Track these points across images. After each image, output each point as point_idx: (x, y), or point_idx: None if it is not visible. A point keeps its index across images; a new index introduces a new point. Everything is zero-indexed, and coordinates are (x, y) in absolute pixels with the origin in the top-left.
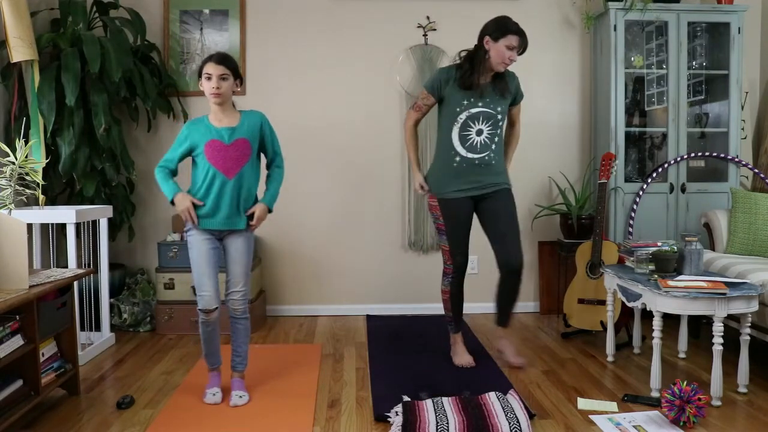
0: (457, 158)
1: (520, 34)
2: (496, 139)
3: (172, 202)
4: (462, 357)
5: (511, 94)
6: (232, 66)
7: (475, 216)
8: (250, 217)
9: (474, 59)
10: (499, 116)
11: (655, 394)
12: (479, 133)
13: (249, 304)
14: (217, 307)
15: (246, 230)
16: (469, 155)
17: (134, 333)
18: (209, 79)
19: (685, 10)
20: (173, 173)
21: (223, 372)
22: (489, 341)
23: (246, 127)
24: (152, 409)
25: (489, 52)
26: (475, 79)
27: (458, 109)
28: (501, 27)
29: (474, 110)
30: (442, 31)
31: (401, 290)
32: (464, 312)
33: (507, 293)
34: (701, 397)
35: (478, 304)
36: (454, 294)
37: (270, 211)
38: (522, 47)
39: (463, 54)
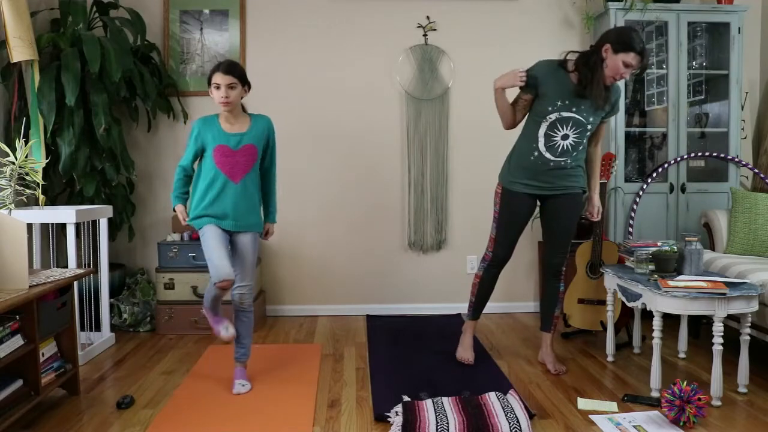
0: (536, 153)
1: (643, 55)
2: (580, 147)
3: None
4: (465, 351)
5: (609, 106)
6: (239, 74)
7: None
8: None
9: (591, 65)
10: (589, 126)
11: (655, 394)
12: (565, 137)
13: (252, 302)
14: (232, 280)
15: (255, 231)
16: (547, 155)
17: (134, 333)
18: (218, 88)
19: (685, 10)
20: (191, 176)
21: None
22: (489, 341)
23: (254, 132)
24: (152, 409)
25: (606, 61)
26: (594, 90)
27: (550, 108)
28: (625, 41)
29: (566, 114)
30: (442, 31)
31: (401, 290)
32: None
33: (547, 295)
34: (701, 397)
35: None
36: (485, 281)
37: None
38: (640, 69)
39: (572, 55)
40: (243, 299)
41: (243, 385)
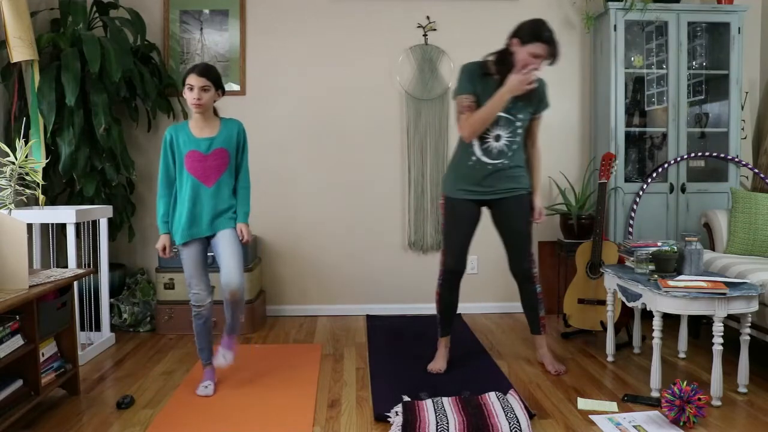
0: (473, 158)
1: (550, 43)
2: (515, 146)
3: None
4: (436, 362)
5: (533, 102)
6: (213, 77)
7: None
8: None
9: (506, 62)
10: (519, 123)
11: (655, 394)
12: (497, 138)
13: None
14: (209, 302)
15: (231, 228)
16: (484, 159)
17: (134, 333)
18: (191, 89)
19: (685, 10)
20: (173, 185)
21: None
22: (489, 341)
23: (224, 136)
24: (152, 409)
25: (515, 54)
26: (491, 82)
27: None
28: (531, 31)
29: None
30: (442, 31)
31: (401, 290)
32: (464, 312)
33: (526, 300)
34: (701, 397)
35: (478, 304)
36: (444, 296)
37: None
38: (550, 58)
39: (490, 57)
40: (234, 296)
41: (224, 357)
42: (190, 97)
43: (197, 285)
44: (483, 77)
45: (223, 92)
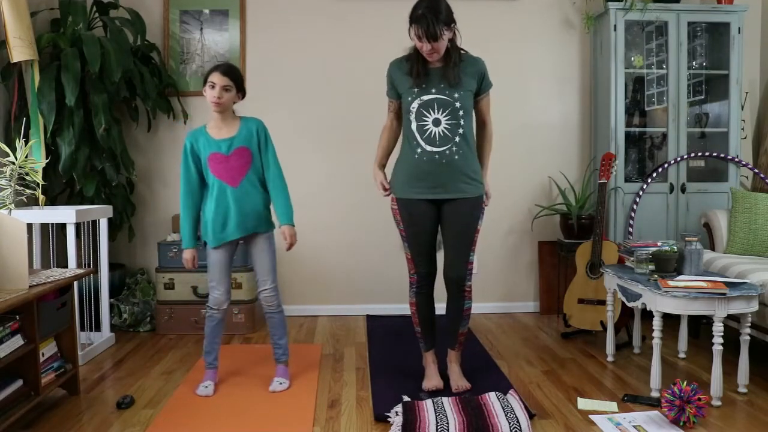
0: (419, 150)
1: (420, 21)
2: (460, 131)
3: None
4: (430, 380)
5: (467, 80)
6: (236, 78)
7: None
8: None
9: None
10: (458, 104)
11: (655, 394)
12: (436, 123)
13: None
14: (225, 307)
15: (264, 232)
16: (428, 148)
17: (134, 333)
18: (213, 87)
19: (685, 10)
20: (200, 194)
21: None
22: (489, 341)
23: (244, 135)
24: (152, 409)
25: None
26: (412, 67)
27: (410, 98)
28: (410, 12)
29: (426, 97)
30: None
31: (401, 290)
32: None
33: (450, 312)
34: (701, 397)
35: (478, 304)
36: (422, 306)
37: (293, 225)
38: (428, 37)
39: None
40: (269, 301)
41: (281, 383)
42: (210, 95)
43: (217, 288)
44: (403, 66)
45: (244, 95)
